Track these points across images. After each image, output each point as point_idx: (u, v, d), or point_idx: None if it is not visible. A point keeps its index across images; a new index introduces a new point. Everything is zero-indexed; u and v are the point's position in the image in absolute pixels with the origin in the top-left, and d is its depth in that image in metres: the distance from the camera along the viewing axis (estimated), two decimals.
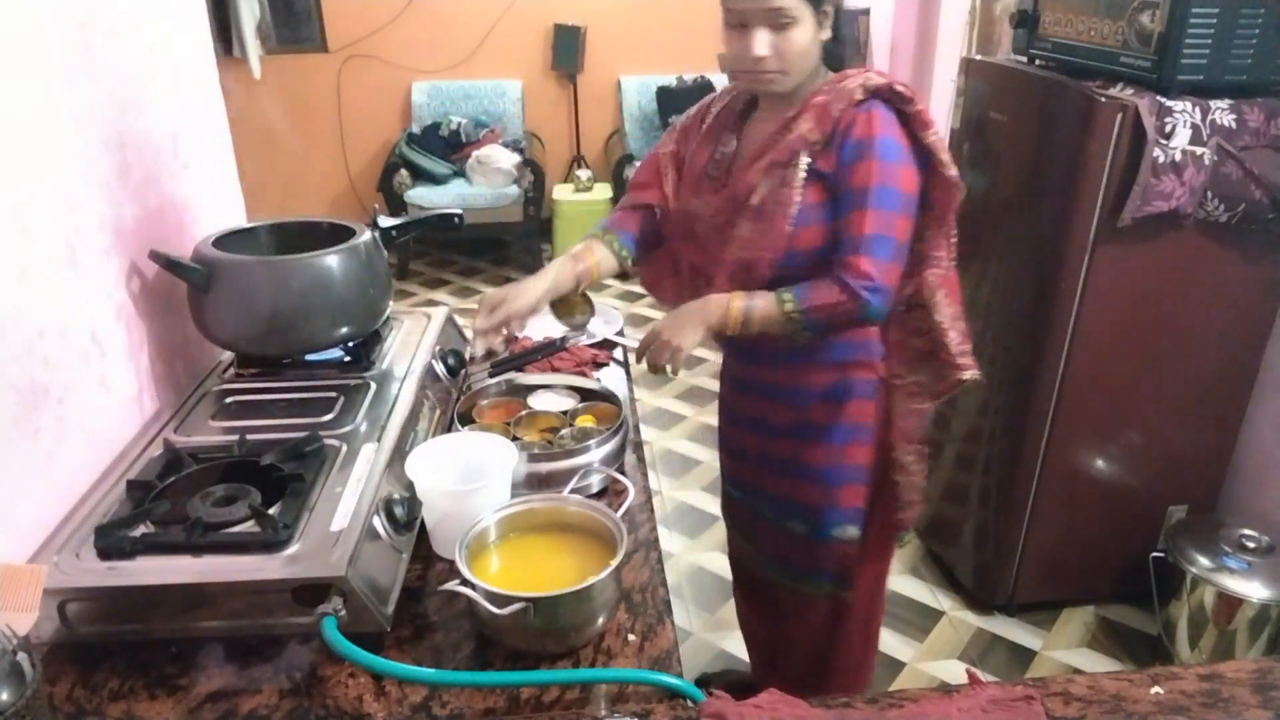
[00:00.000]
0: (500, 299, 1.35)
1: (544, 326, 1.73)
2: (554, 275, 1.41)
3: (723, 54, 1.36)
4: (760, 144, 1.35)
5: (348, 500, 1.05)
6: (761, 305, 1.29)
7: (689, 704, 0.88)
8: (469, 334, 1.69)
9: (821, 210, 1.29)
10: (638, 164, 1.66)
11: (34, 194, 1.08)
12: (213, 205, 1.58)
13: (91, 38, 1.22)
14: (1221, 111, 1.85)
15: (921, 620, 2.39)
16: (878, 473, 1.47)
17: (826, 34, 1.30)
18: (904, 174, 1.27)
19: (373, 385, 1.33)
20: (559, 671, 0.94)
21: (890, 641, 2.28)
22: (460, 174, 4.86)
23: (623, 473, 1.26)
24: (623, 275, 1.58)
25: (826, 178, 1.29)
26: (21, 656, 0.79)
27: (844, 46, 1.37)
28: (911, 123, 1.28)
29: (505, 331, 1.35)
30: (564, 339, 1.60)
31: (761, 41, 1.25)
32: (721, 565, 2.59)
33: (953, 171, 1.30)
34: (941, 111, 3.61)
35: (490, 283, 5.00)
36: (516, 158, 4.81)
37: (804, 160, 1.28)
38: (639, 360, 1.37)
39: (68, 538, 1.03)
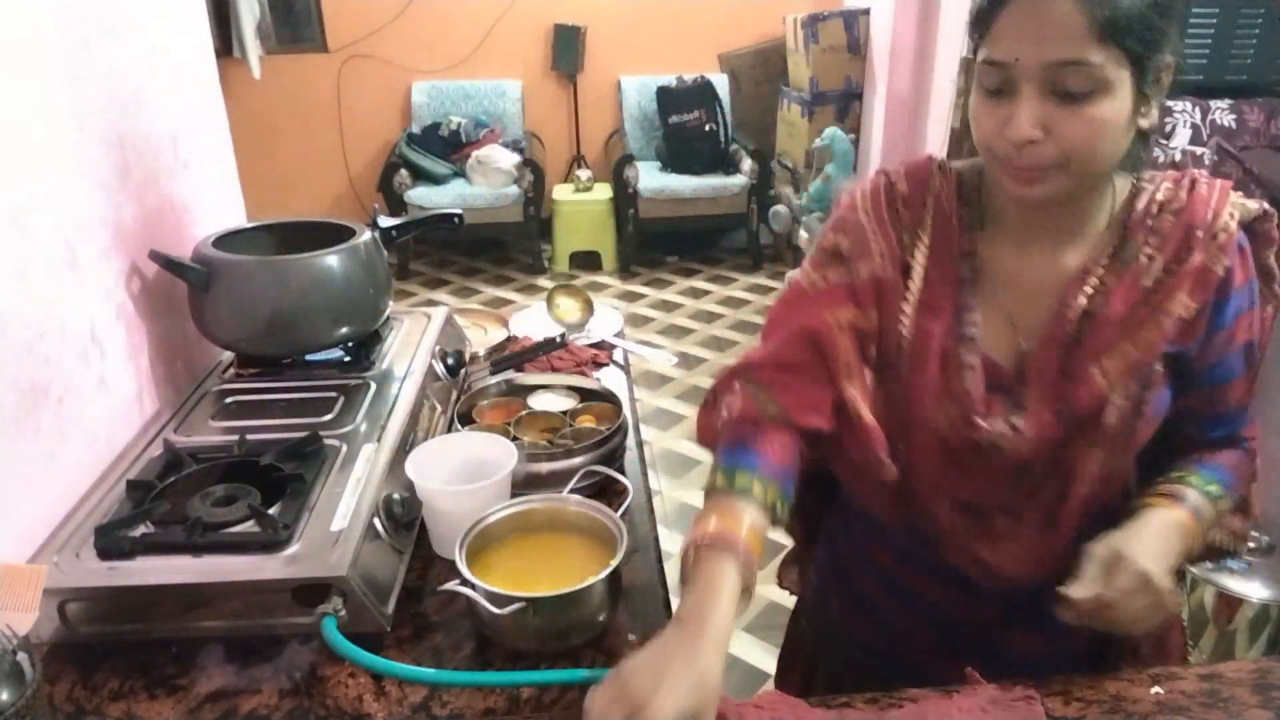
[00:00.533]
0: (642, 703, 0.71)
1: (543, 327, 1.73)
2: (725, 624, 0.77)
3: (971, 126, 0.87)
4: (1049, 330, 0.88)
5: (348, 500, 1.05)
6: (1201, 506, 0.90)
7: None
8: (469, 335, 1.69)
9: (1165, 396, 0.90)
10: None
11: (34, 194, 1.08)
12: (213, 205, 1.58)
13: (91, 37, 1.22)
14: (1221, 111, 1.85)
15: None
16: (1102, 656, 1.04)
17: (1153, 117, 0.84)
18: None
19: (373, 385, 1.33)
20: (559, 671, 0.94)
21: None
22: (460, 174, 4.86)
23: (623, 473, 1.26)
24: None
25: (1182, 353, 0.89)
26: (21, 656, 0.79)
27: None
28: (1265, 244, 0.92)
29: None
30: (563, 335, 1.59)
31: (1029, 112, 0.79)
32: None
33: None
34: (941, 111, 3.62)
35: (490, 283, 4.99)
36: (516, 158, 4.81)
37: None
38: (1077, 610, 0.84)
39: (68, 538, 1.03)
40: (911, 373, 0.92)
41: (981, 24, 0.83)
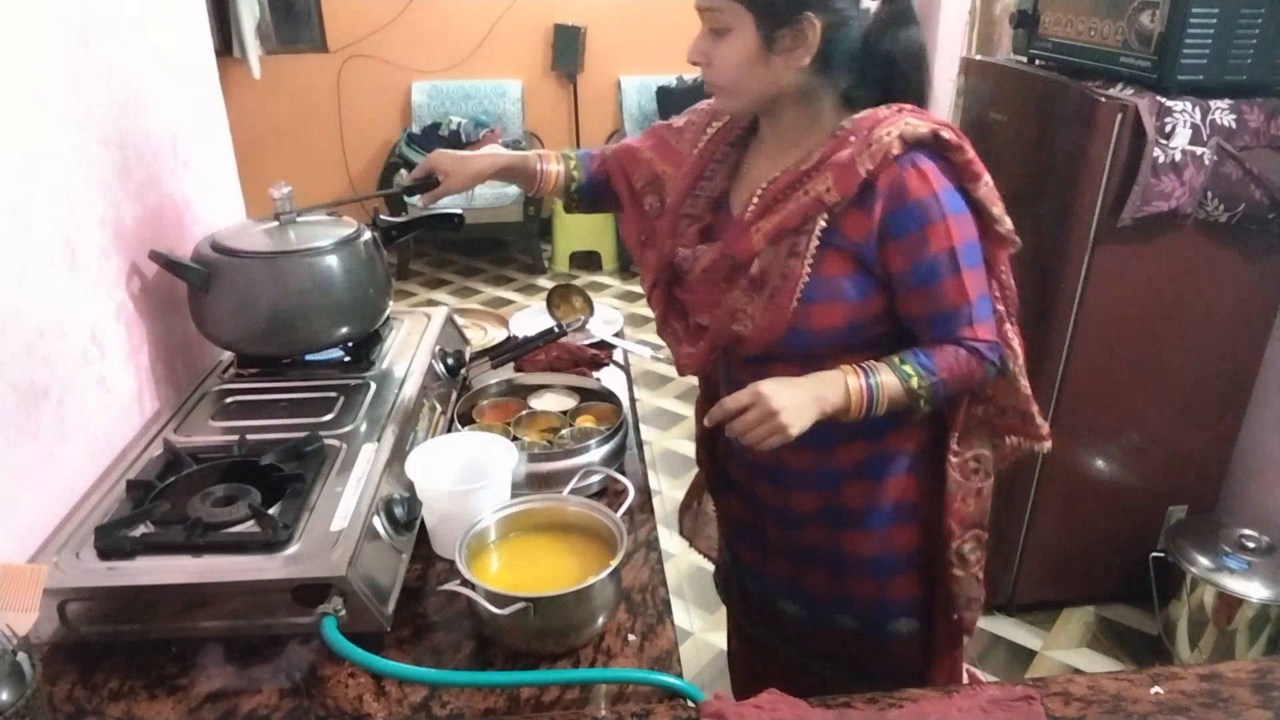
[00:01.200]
0: (448, 168, 1.39)
1: (543, 327, 1.73)
2: (510, 157, 1.43)
3: None
4: (759, 192, 1.12)
5: (348, 500, 1.05)
6: (886, 381, 1.07)
7: (689, 704, 0.88)
8: (469, 335, 1.69)
9: (844, 285, 1.08)
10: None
11: (34, 193, 1.08)
12: (213, 205, 1.58)
13: (91, 38, 1.22)
14: (1221, 111, 1.85)
15: None
16: (929, 558, 1.25)
17: (799, 61, 1.05)
18: (973, 226, 1.09)
19: (373, 385, 1.33)
20: (559, 671, 0.94)
21: None
22: None
23: (623, 473, 1.26)
24: (566, 204, 1.47)
25: (857, 248, 1.07)
26: (21, 656, 0.79)
27: (881, 79, 1.09)
28: (961, 174, 1.08)
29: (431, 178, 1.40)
30: (561, 326, 1.59)
31: (697, 43, 1.09)
32: None
33: (1007, 225, 1.11)
34: (942, 112, 3.61)
35: (490, 283, 5.00)
36: None
37: (820, 225, 1.06)
38: (718, 424, 1.09)
39: (68, 538, 1.03)
40: (663, 214, 1.26)
41: None
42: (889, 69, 1.09)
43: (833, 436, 1.16)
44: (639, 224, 1.32)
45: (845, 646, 1.32)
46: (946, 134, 1.06)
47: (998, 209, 1.10)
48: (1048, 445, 1.25)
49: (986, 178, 1.09)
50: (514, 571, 1.03)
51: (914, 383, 1.07)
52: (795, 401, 1.04)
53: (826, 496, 1.23)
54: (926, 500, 1.23)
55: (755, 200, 1.12)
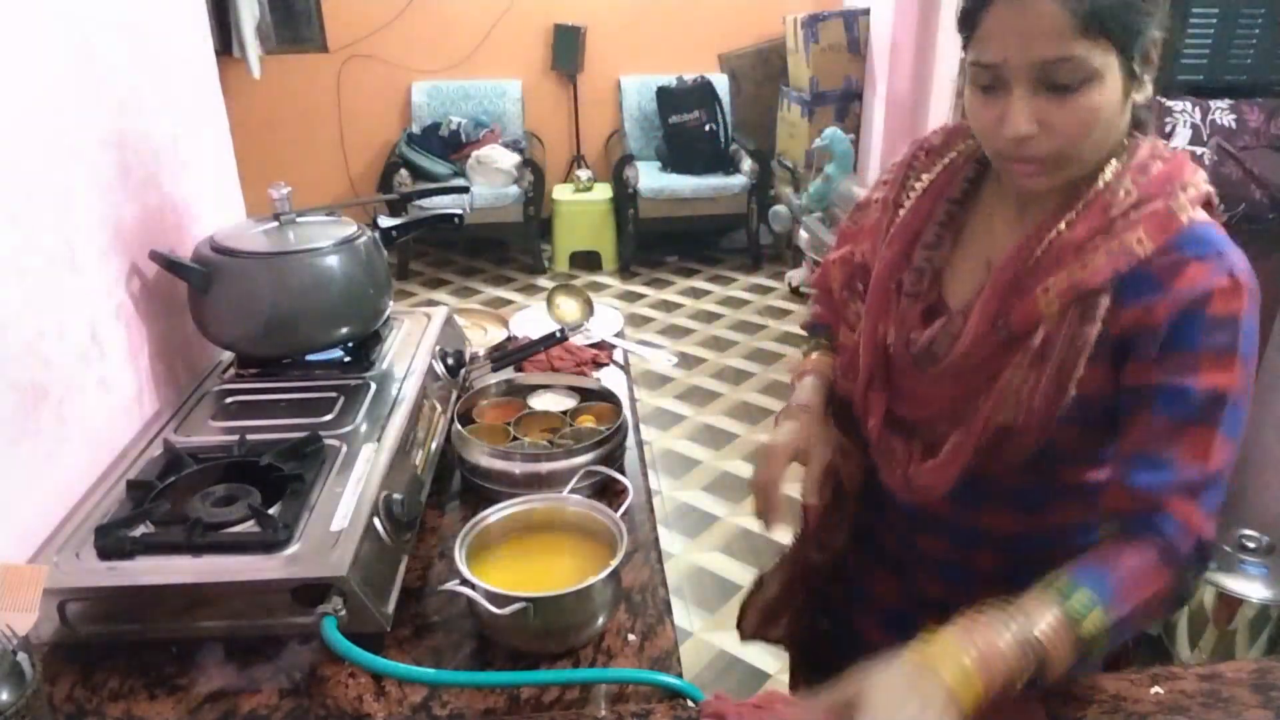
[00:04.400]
0: (789, 452, 1.01)
1: (543, 327, 1.73)
2: (818, 399, 1.07)
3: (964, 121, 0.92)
4: (1045, 242, 0.87)
5: (348, 500, 1.05)
6: (1018, 643, 0.74)
7: (689, 704, 0.88)
8: (469, 335, 1.69)
9: (1097, 378, 0.87)
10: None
11: (34, 194, 1.08)
12: (213, 205, 1.58)
13: (91, 37, 1.22)
14: (1221, 111, 1.85)
15: None
16: None
17: (1147, 93, 0.86)
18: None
19: (373, 385, 1.33)
20: (559, 671, 0.94)
21: None
22: (460, 174, 4.86)
23: (623, 473, 1.26)
24: None
25: (1132, 345, 0.85)
26: (21, 657, 0.79)
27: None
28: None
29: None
30: (563, 330, 1.59)
31: (1019, 110, 0.81)
32: (721, 565, 2.60)
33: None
34: (941, 111, 3.62)
35: (490, 283, 5.00)
36: (516, 158, 4.81)
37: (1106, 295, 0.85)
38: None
39: (68, 538, 1.02)
40: (869, 291, 1.02)
41: (968, 24, 0.85)
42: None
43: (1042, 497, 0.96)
44: (845, 350, 1.07)
45: None
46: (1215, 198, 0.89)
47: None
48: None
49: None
50: (514, 571, 1.03)
51: (1087, 628, 0.77)
52: (890, 708, 0.70)
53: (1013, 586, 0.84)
54: None
55: (1039, 252, 0.88)
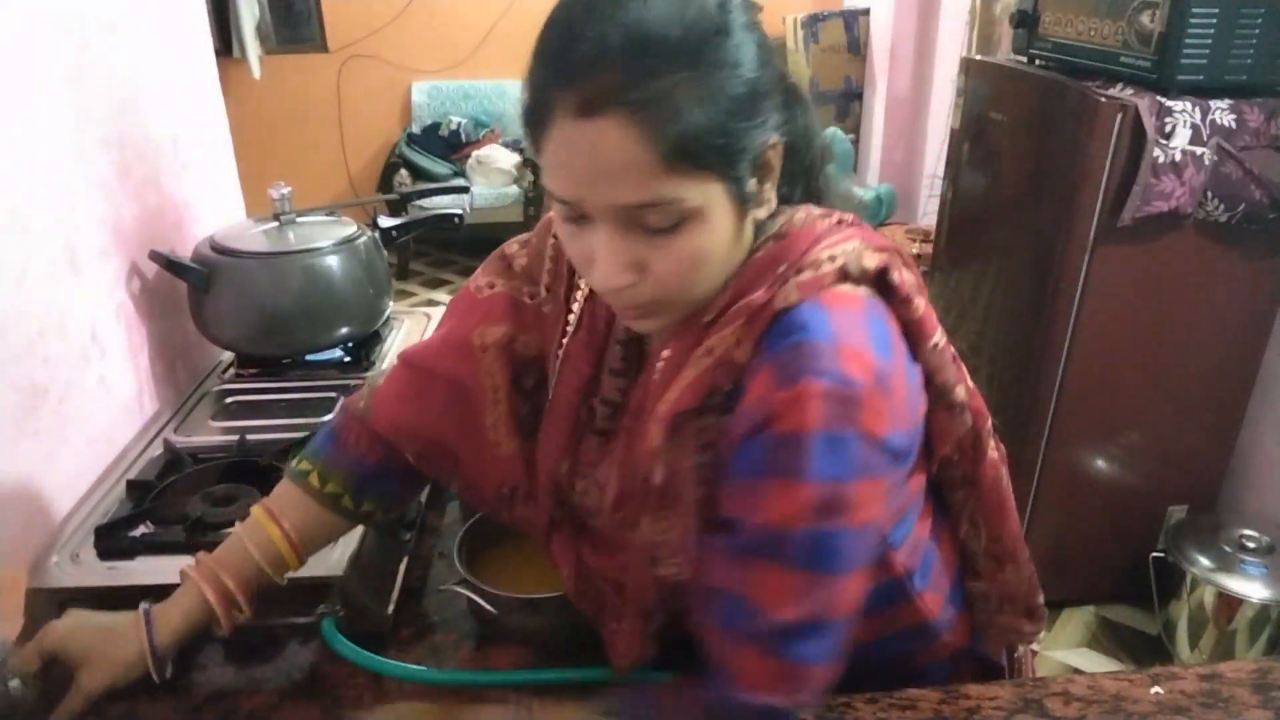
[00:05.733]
0: (63, 650, 0.82)
1: None
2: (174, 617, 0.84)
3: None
4: (660, 361, 0.73)
5: None
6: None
7: None
8: None
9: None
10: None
11: (34, 194, 1.08)
12: (213, 205, 1.58)
13: (91, 38, 1.22)
14: (1221, 111, 1.85)
15: None
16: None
17: (769, 203, 0.71)
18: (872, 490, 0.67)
19: None
20: (559, 671, 0.94)
21: None
22: (460, 174, 4.86)
23: None
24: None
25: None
26: (14, 684, 0.78)
27: (823, 167, 0.78)
28: (907, 331, 0.73)
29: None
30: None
31: (615, 256, 0.65)
32: None
33: (959, 397, 0.77)
34: (941, 111, 3.62)
35: None
36: (516, 158, 4.81)
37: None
38: None
39: (68, 538, 1.02)
40: (547, 420, 0.84)
41: (532, 138, 0.66)
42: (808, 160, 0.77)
43: None
44: (503, 463, 0.87)
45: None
46: (896, 276, 0.72)
47: (948, 375, 0.76)
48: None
49: (936, 336, 0.75)
50: (514, 571, 1.03)
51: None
52: None
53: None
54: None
55: (655, 377, 0.73)
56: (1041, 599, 0.90)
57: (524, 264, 0.88)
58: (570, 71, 0.60)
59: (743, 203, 0.67)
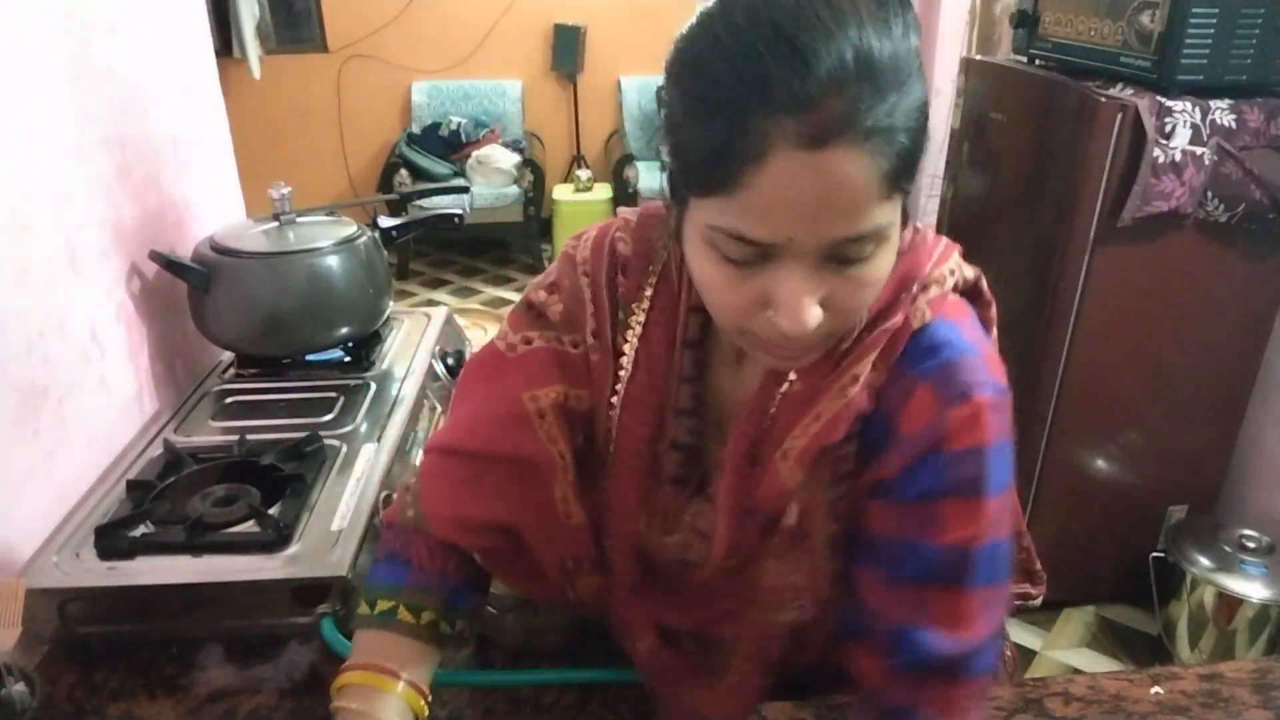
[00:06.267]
0: None
1: None
2: None
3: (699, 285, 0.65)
4: (780, 393, 0.70)
5: (348, 500, 1.05)
6: None
7: None
8: (469, 335, 1.69)
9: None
10: (591, 228, 0.82)
11: (34, 194, 1.08)
12: (213, 205, 1.58)
13: (91, 37, 1.22)
14: (1221, 111, 1.85)
15: None
16: None
17: (911, 228, 0.67)
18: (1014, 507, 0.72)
19: (373, 385, 1.33)
20: (559, 671, 0.94)
21: None
22: (460, 174, 4.86)
23: None
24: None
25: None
26: (18, 689, 0.78)
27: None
28: (984, 325, 0.75)
29: None
30: None
31: (808, 295, 0.58)
32: None
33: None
34: (941, 111, 3.61)
35: (490, 283, 5.00)
36: (516, 158, 4.81)
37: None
38: None
39: (68, 538, 1.02)
40: (613, 478, 0.77)
41: (715, 179, 0.56)
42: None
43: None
44: (571, 534, 0.78)
45: None
46: (984, 282, 0.75)
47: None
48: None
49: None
50: None
51: None
52: None
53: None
54: None
55: (773, 410, 0.70)
56: (1040, 566, 0.93)
57: (560, 310, 0.78)
58: (799, 98, 0.52)
59: (908, 218, 0.64)
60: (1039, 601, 0.93)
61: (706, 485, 0.76)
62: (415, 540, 0.79)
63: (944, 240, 0.73)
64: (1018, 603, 0.91)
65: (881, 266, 0.61)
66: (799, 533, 0.70)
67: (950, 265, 0.71)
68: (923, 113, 0.59)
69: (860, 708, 0.70)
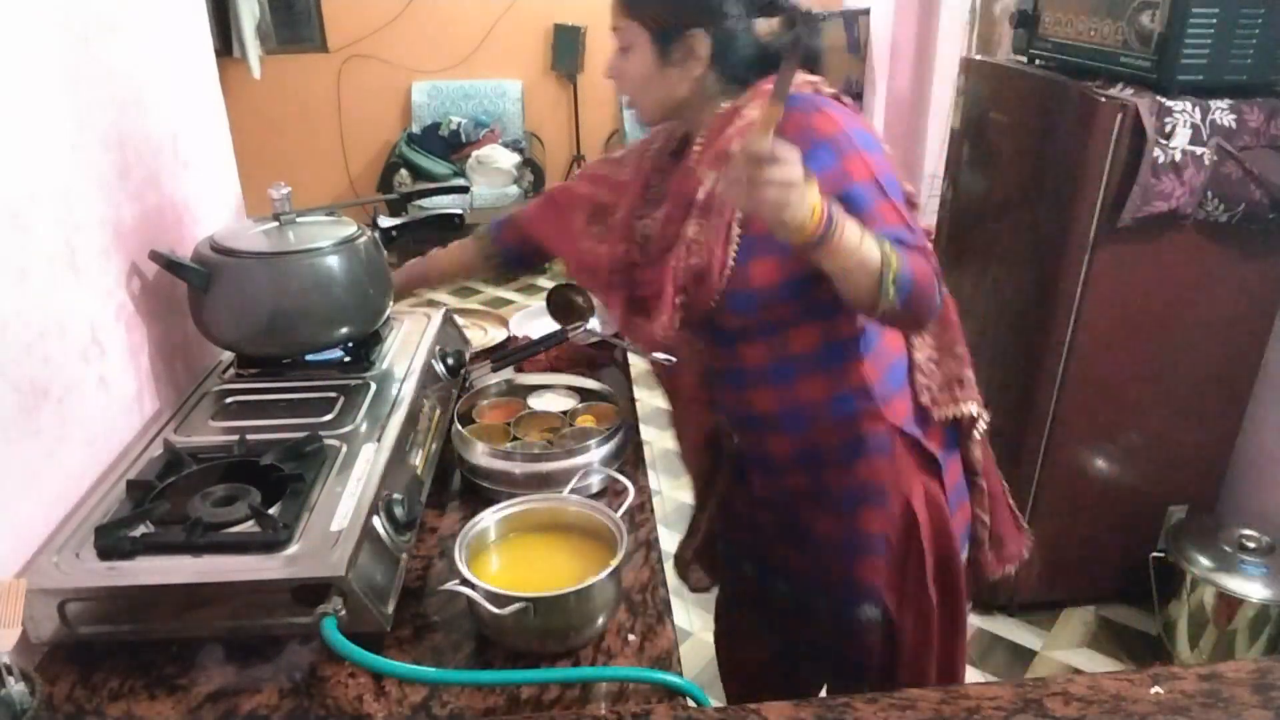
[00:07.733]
0: None
1: (543, 327, 1.73)
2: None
3: None
4: (700, 138, 1.19)
5: (348, 500, 1.05)
6: (853, 227, 0.98)
7: (689, 703, 0.88)
8: (469, 335, 1.69)
9: (770, 244, 1.02)
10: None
11: (34, 194, 1.08)
12: (213, 205, 1.58)
13: (91, 37, 1.22)
14: (1221, 111, 1.85)
15: None
16: (902, 543, 1.24)
17: (692, 72, 1.15)
18: (891, 165, 1.10)
19: (373, 385, 1.33)
20: (559, 670, 0.94)
21: None
22: (460, 174, 4.86)
23: (623, 473, 1.26)
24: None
25: None
26: (19, 689, 0.78)
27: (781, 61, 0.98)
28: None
29: None
30: (565, 331, 1.59)
31: (611, 60, 1.22)
32: None
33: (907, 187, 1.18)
34: (941, 111, 3.62)
35: (490, 283, 5.00)
36: (516, 158, 4.81)
37: None
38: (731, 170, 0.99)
39: (68, 538, 1.02)
40: (609, 228, 1.31)
41: None
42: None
43: (806, 422, 1.22)
44: (584, 259, 1.34)
45: (821, 633, 1.33)
46: (828, 92, 1.15)
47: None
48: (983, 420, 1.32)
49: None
50: (514, 571, 1.04)
51: (886, 248, 1.00)
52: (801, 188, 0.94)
53: (812, 477, 1.26)
54: (893, 484, 1.22)
55: (698, 146, 1.17)
56: (1025, 523, 1.30)
57: (618, 155, 1.41)
58: None
59: (662, 55, 1.15)
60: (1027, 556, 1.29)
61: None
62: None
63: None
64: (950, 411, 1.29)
65: (630, 66, 1.19)
66: (706, 205, 1.12)
67: (825, 86, 1.17)
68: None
69: None
